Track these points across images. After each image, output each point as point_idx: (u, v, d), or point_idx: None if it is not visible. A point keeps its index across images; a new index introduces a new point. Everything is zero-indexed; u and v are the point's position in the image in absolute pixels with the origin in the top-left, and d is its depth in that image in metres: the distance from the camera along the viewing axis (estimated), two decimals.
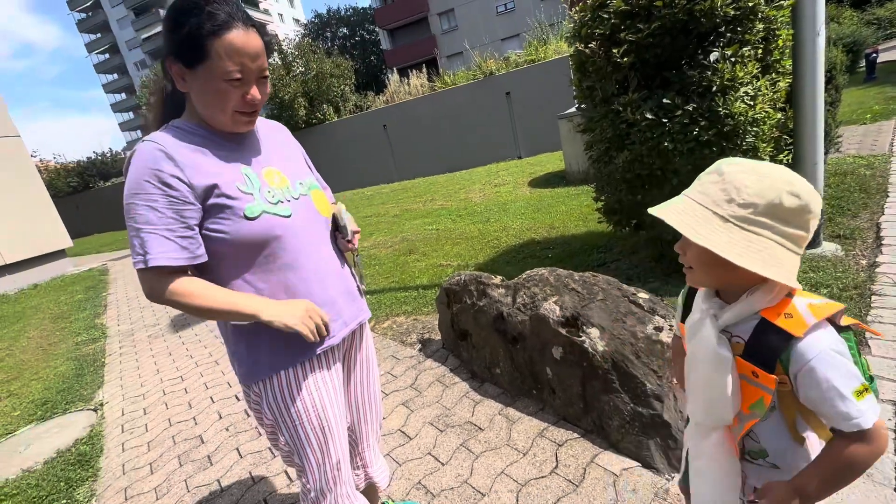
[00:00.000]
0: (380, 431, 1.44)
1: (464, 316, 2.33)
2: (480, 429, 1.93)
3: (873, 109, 6.17)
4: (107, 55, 53.22)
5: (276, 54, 14.61)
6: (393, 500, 1.60)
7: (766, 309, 0.69)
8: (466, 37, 24.13)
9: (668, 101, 2.31)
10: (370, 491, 1.46)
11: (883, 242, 2.65)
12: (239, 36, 0.88)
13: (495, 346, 2.13)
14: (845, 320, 0.69)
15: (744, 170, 0.67)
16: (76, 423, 2.84)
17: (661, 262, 2.98)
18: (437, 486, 1.68)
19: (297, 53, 13.94)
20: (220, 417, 2.52)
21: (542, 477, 1.60)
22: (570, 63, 3.08)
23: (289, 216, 1.03)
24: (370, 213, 7.96)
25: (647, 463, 1.53)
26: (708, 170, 0.71)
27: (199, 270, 1.00)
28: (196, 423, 2.53)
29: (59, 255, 9.19)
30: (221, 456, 2.18)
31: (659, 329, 1.63)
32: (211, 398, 2.76)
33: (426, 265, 4.24)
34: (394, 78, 13.86)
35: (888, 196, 3.30)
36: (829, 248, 2.72)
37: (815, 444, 0.74)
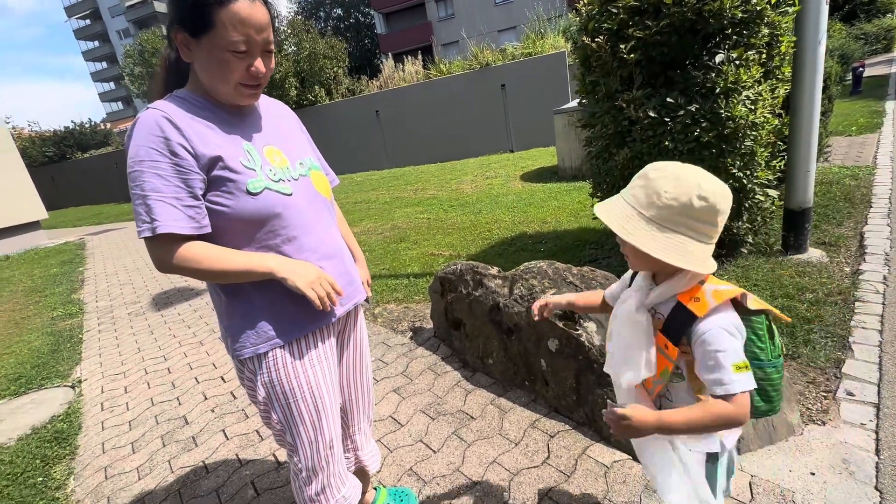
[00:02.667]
0: (371, 416, 1.43)
1: (458, 305, 2.32)
2: (472, 418, 1.93)
3: (859, 122, 6.34)
4: (88, 21, 51.01)
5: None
6: (384, 486, 1.60)
7: (682, 293, 0.82)
8: (463, 25, 23.87)
9: (672, 101, 2.32)
10: (361, 475, 1.45)
11: (866, 251, 2.73)
12: (245, 6, 0.87)
13: (489, 337, 2.13)
14: (755, 304, 0.83)
15: (664, 175, 0.79)
16: (52, 400, 2.75)
17: None
18: (429, 472, 1.68)
19: (289, 32, 13.60)
20: (206, 398, 2.47)
21: (535, 467, 1.62)
22: (573, 57, 3.06)
23: (290, 194, 1.02)
24: (360, 199, 7.87)
25: (637, 457, 1.56)
26: (638, 174, 0.83)
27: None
28: (180, 404, 2.48)
29: (33, 226, 8.85)
30: (207, 437, 2.14)
31: None
32: (196, 379, 2.71)
33: (417, 253, 4.22)
34: (388, 63, 13.66)
35: (871, 207, 3.40)
36: (814, 254, 2.79)
37: None
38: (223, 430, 2.16)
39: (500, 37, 23.36)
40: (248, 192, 0.95)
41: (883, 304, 2.20)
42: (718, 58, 2.26)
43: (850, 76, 9.55)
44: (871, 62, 13.52)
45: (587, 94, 2.85)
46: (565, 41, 11.07)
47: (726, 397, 0.75)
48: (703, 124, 2.29)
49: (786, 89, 2.65)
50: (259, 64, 0.93)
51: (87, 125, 21.54)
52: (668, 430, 0.79)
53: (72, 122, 21.35)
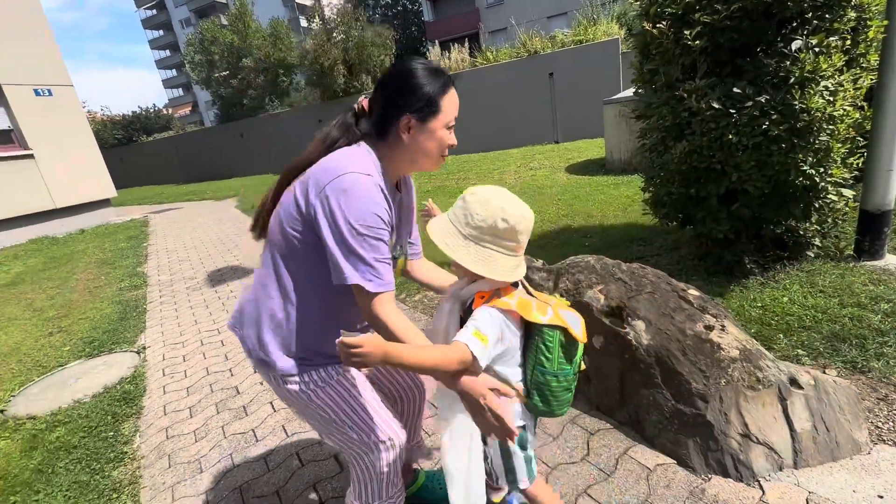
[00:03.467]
0: (423, 410, 1.51)
1: None
2: None
3: None
4: (154, 11, 54.07)
5: (317, 19, 14.54)
6: (423, 469, 1.64)
7: (478, 292, 1.02)
8: (512, 12, 23.29)
9: (739, 91, 2.17)
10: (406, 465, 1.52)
11: None
12: (454, 90, 1.05)
13: None
14: (552, 319, 0.98)
15: (477, 199, 0.97)
16: (121, 363, 3.01)
17: (705, 261, 2.87)
18: None
19: (339, 20, 13.81)
20: (255, 372, 2.61)
21: (573, 462, 1.60)
22: (628, 45, 2.92)
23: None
24: None
25: (684, 461, 1.51)
26: (461, 196, 1.00)
27: (309, 280, 1.07)
28: (232, 375, 2.64)
29: (104, 203, 9.60)
30: (256, 408, 2.27)
31: (709, 328, 1.58)
32: None
33: None
34: (434, 51, 13.61)
35: None
36: (892, 261, 2.56)
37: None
38: (271, 403, 2.28)
39: (549, 23, 22.64)
40: None
41: None
42: (795, 44, 2.09)
43: None
44: None
45: (644, 84, 2.72)
46: (619, 28, 10.58)
47: (454, 344, 0.94)
48: (773, 117, 2.13)
49: (871, 79, 2.41)
50: (454, 136, 1.09)
51: (151, 110, 22.97)
52: (395, 361, 0.88)
53: (138, 107, 22.85)
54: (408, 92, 1.00)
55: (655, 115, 2.59)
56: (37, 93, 8.36)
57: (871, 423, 1.56)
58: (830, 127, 2.16)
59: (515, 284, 1.05)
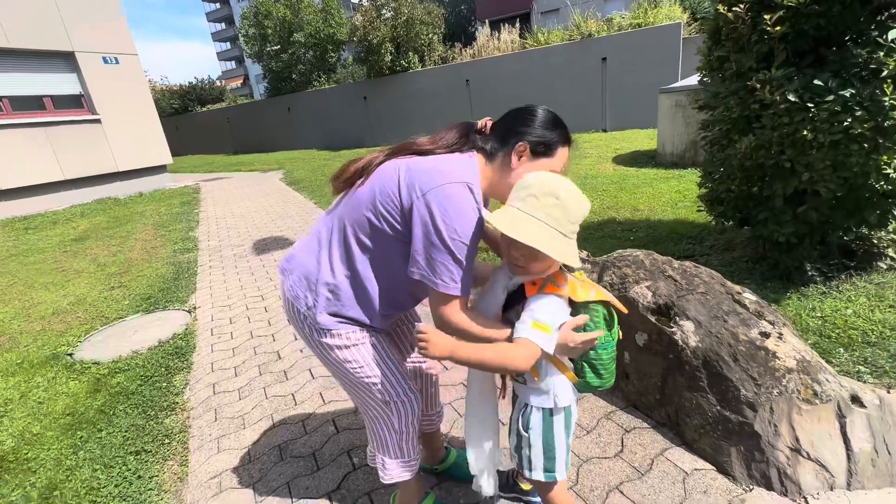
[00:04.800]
0: (437, 381, 1.53)
1: None
2: None
3: None
4: None
5: None
6: (454, 448, 1.66)
7: (529, 280, 1.01)
8: None
9: (820, 83, 2.00)
10: (432, 436, 1.56)
11: None
12: (567, 150, 1.10)
13: None
14: (597, 296, 1.02)
15: (570, 194, 0.93)
16: (174, 320, 3.21)
17: (760, 265, 2.71)
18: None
19: None
20: (296, 339, 2.72)
21: (606, 458, 1.59)
22: (691, 30, 2.74)
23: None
24: None
25: (724, 469, 1.46)
26: (541, 189, 0.93)
27: (379, 261, 1.10)
28: (274, 340, 2.76)
29: (161, 169, 10.14)
30: (296, 373, 2.37)
31: (765, 335, 1.50)
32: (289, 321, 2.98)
33: None
34: (484, 31, 13.30)
35: None
36: None
37: (552, 371, 1.06)
38: (310, 370, 2.38)
39: (606, 5, 21.58)
40: None
41: None
42: (893, 33, 1.89)
43: None
44: None
45: (712, 72, 2.56)
46: (683, 11, 9.95)
47: (517, 340, 0.95)
48: (858, 113, 1.94)
49: None
50: None
51: (206, 81, 23.84)
52: (461, 359, 0.94)
53: (195, 77, 23.69)
54: (532, 125, 1.06)
55: (721, 106, 2.43)
56: (105, 60, 8.85)
57: None
58: None
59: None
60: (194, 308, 3.40)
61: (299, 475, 1.69)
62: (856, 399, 1.40)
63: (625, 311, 1.09)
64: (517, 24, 13.32)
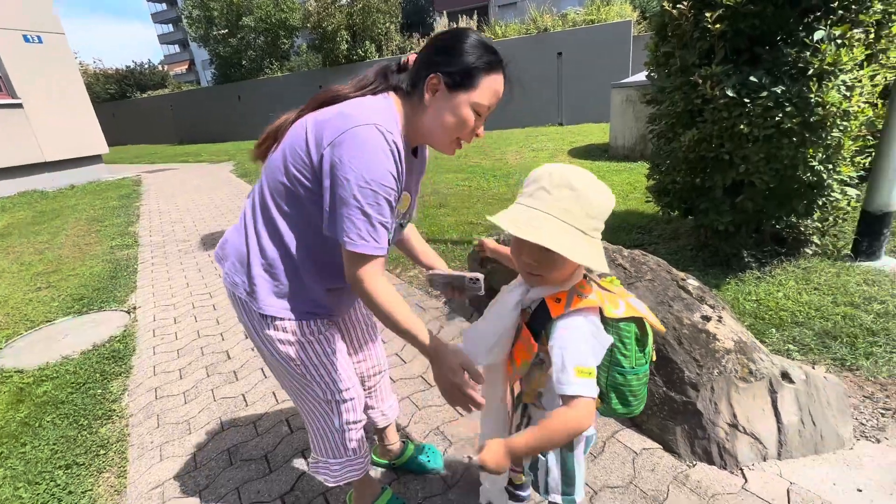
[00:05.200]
0: (387, 376, 1.50)
1: (498, 276, 2.29)
2: None
3: None
4: None
5: None
6: (412, 442, 1.65)
7: (549, 295, 0.85)
8: None
9: (755, 80, 2.12)
10: (387, 430, 1.53)
11: None
12: (499, 79, 0.96)
13: None
14: (627, 312, 0.85)
15: (588, 184, 0.77)
16: (110, 322, 2.98)
17: (703, 252, 2.87)
18: (456, 434, 1.72)
19: None
20: (246, 337, 2.60)
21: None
22: (640, 28, 2.83)
23: (387, 246, 1.06)
24: None
25: (670, 447, 1.53)
26: (551, 181, 0.78)
27: (305, 227, 1.00)
28: (223, 339, 2.62)
29: (95, 159, 9.38)
30: (247, 373, 2.26)
31: (706, 318, 1.58)
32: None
33: (456, 221, 4.19)
34: (442, 21, 13.21)
35: None
36: (888, 262, 2.57)
37: None
38: (262, 369, 2.28)
39: (561, 1, 22.04)
40: None
41: None
42: (818, 35, 2.03)
43: None
44: None
45: (658, 67, 2.65)
46: (633, 9, 10.31)
47: (564, 399, 0.78)
48: (787, 109, 2.08)
49: (887, 77, 2.36)
50: (482, 129, 0.99)
51: (146, 66, 22.24)
52: (522, 455, 0.81)
53: (133, 61, 22.08)
54: (449, 53, 0.92)
55: (667, 101, 2.53)
56: (26, 39, 8.02)
57: (856, 419, 1.58)
58: (844, 123, 2.13)
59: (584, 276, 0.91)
60: (134, 308, 3.18)
61: (250, 479, 1.62)
62: (785, 375, 1.50)
63: (662, 329, 0.94)
64: (475, 16, 13.33)
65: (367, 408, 1.45)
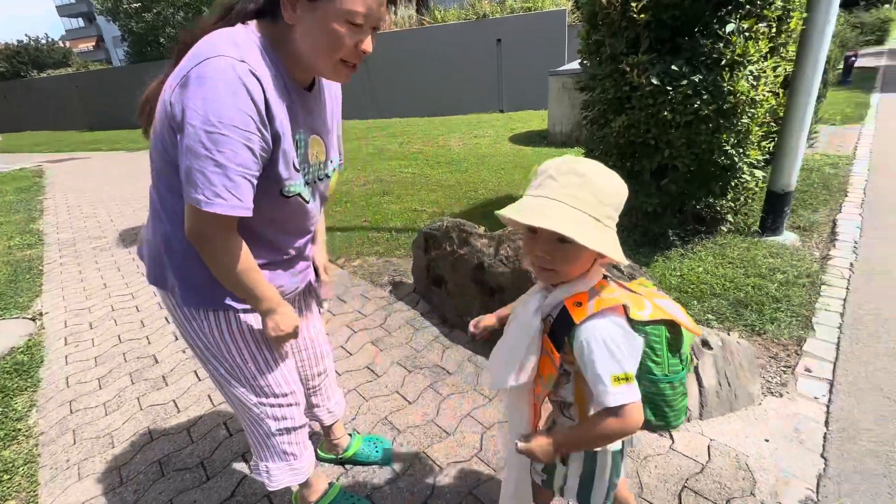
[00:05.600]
0: (332, 372, 1.44)
1: (441, 262, 2.30)
2: (449, 373, 1.96)
3: (844, 112, 6.42)
4: None
5: None
6: (359, 433, 1.62)
7: (569, 297, 0.78)
8: None
9: (676, 69, 2.26)
10: (333, 427, 1.48)
11: (837, 238, 2.83)
12: None
13: (471, 295, 2.13)
14: (656, 313, 0.79)
15: (596, 170, 0.74)
16: (11, 332, 2.64)
17: (634, 232, 3.04)
18: (403, 422, 1.71)
19: None
20: (176, 339, 2.42)
21: (506, 421, 1.66)
22: (575, 17, 2.91)
23: (308, 202, 0.97)
24: (343, 149, 7.58)
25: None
26: (558, 169, 0.74)
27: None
28: (149, 343, 2.42)
29: None
30: (178, 377, 2.10)
31: None
32: (166, 319, 2.63)
33: (400, 208, 4.14)
34: None
35: (846, 196, 3.50)
36: (789, 237, 2.88)
37: None
38: (195, 371, 2.13)
39: None
40: (282, 194, 0.90)
41: (847, 289, 2.30)
42: (729, 27, 2.19)
43: (841, 65, 9.56)
44: (863, 53, 13.56)
45: (590, 55, 2.74)
46: None
47: (609, 411, 0.73)
48: (704, 97, 2.24)
49: (787, 69, 2.61)
50: (369, 42, 0.83)
51: (42, 42, 19.66)
52: (567, 451, 0.83)
53: (26, 35, 19.43)
54: None
55: (599, 88, 2.63)
56: None
57: (763, 377, 1.77)
58: (752, 110, 2.33)
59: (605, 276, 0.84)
60: (40, 314, 2.83)
61: (185, 489, 1.51)
62: (705, 343, 1.64)
63: (698, 331, 0.86)
64: (414, 0, 13.05)
65: (312, 406, 1.40)
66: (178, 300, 0.97)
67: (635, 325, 0.78)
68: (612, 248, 0.71)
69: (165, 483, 1.55)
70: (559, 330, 0.78)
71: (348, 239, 3.50)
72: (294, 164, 0.89)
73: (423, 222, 3.64)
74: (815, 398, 1.65)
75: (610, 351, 0.72)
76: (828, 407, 1.60)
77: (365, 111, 11.84)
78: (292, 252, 1.04)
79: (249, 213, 0.81)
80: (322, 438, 1.55)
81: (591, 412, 0.80)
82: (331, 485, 1.37)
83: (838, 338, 1.95)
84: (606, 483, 0.92)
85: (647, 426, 0.84)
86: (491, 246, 2.06)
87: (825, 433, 1.50)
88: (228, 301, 0.97)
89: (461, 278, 2.16)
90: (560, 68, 6.77)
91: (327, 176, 1.04)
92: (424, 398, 1.82)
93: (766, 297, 2.23)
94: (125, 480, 1.57)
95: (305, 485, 1.27)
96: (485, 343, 2.11)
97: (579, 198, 0.71)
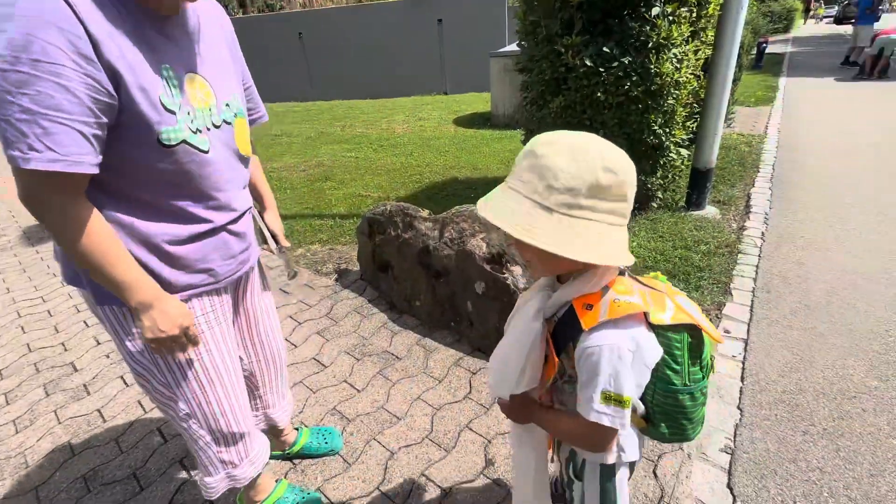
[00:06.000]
0: (284, 374, 1.37)
1: (387, 247, 2.26)
2: (398, 358, 1.95)
3: (757, 94, 6.99)
4: None
5: None
6: (307, 426, 1.58)
7: (577, 297, 0.69)
8: None
9: (607, 51, 2.33)
10: (273, 429, 1.42)
11: (751, 210, 3.10)
12: None
13: (418, 279, 2.12)
14: (677, 317, 0.70)
15: (557, 150, 0.62)
16: None
17: None
18: (353, 411, 1.68)
19: None
20: (98, 343, 2.21)
21: (456, 402, 1.69)
22: None
23: (206, 151, 0.84)
24: (281, 132, 7.20)
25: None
26: (524, 151, 0.66)
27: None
28: (66, 350, 2.19)
29: None
30: (101, 385, 1.93)
31: None
32: (85, 322, 2.40)
33: (344, 194, 4.01)
34: None
35: (759, 171, 3.83)
36: (711, 211, 3.11)
37: None
38: (121, 377, 1.97)
39: None
40: (160, 143, 0.76)
41: (759, 256, 2.53)
42: (654, 10, 2.28)
43: (755, 50, 10.37)
44: (772, 40, 14.80)
45: (527, 36, 2.76)
46: None
47: (586, 421, 0.68)
48: (634, 78, 2.34)
49: (706, 52, 2.78)
50: None
51: None
52: (540, 424, 0.82)
53: None
54: None
55: (536, 69, 2.66)
56: None
57: None
58: (676, 92, 2.46)
59: (621, 272, 0.73)
60: None
61: (115, 503, 1.40)
62: None
63: (720, 339, 0.77)
64: None
65: (265, 407, 1.33)
66: (94, 299, 0.88)
67: (657, 329, 0.69)
68: (561, 242, 0.60)
69: (93, 499, 1.43)
70: (564, 333, 0.71)
71: (289, 227, 3.35)
72: (163, 104, 0.76)
73: (367, 208, 3.56)
74: (733, 356, 1.81)
75: (615, 372, 0.65)
76: (743, 364, 1.77)
77: (304, 93, 11.31)
78: (211, 221, 0.90)
79: (84, 170, 0.69)
80: (269, 437, 1.49)
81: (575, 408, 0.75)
82: (278, 482, 1.32)
83: (752, 301, 2.15)
84: (626, 496, 0.86)
85: (663, 439, 0.80)
86: (435, 229, 2.05)
87: (741, 387, 1.66)
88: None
89: (407, 263, 2.14)
90: (501, 49, 6.79)
91: (226, 123, 0.90)
92: (374, 385, 1.81)
93: (692, 266, 2.41)
94: (42, 501, 1.43)
95: (250, 485, 1.22)
96: (433, 326, 2.12)
97: (527, 182, 0.63)
